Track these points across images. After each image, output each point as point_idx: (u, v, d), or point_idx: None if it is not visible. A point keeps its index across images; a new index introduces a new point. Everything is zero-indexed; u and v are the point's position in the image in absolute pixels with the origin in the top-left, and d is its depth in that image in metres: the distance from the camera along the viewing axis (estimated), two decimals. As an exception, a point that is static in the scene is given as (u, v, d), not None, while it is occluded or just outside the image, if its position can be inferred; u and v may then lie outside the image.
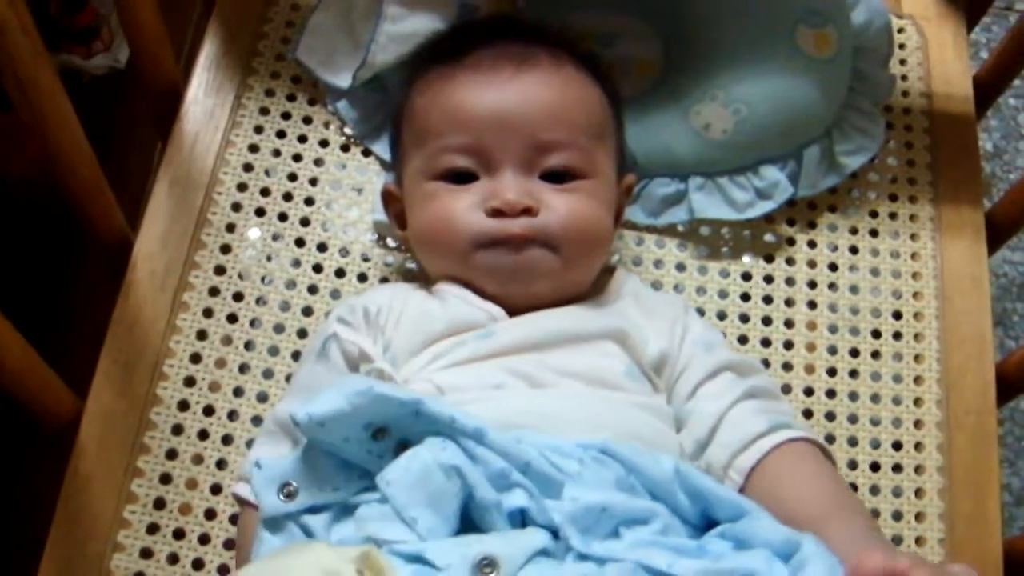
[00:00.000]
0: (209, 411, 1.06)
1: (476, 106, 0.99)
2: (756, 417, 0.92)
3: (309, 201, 1.16)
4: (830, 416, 1.11)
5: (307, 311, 1.11)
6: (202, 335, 1.09)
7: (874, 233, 1.19)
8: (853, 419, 1.11)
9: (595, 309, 0.99)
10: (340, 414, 0.78)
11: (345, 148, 1.19)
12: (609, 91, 1.07)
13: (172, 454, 1.04)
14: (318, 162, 1.18)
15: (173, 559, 1.01)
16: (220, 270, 1.12)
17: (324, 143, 1.19)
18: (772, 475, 0.89)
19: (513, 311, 0.97)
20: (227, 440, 1.05)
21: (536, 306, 0.97)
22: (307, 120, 1.20)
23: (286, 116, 1.20)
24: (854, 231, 1.19)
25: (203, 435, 1.05)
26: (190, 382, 1.07)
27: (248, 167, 1.17)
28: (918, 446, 1.10)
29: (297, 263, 1.13)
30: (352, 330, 0.98)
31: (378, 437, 0.80)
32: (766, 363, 1.12)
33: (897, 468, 1.09)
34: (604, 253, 1.03)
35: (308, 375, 0.99)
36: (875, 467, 1.09)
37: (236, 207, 1.15)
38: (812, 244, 1.18)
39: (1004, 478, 1.64)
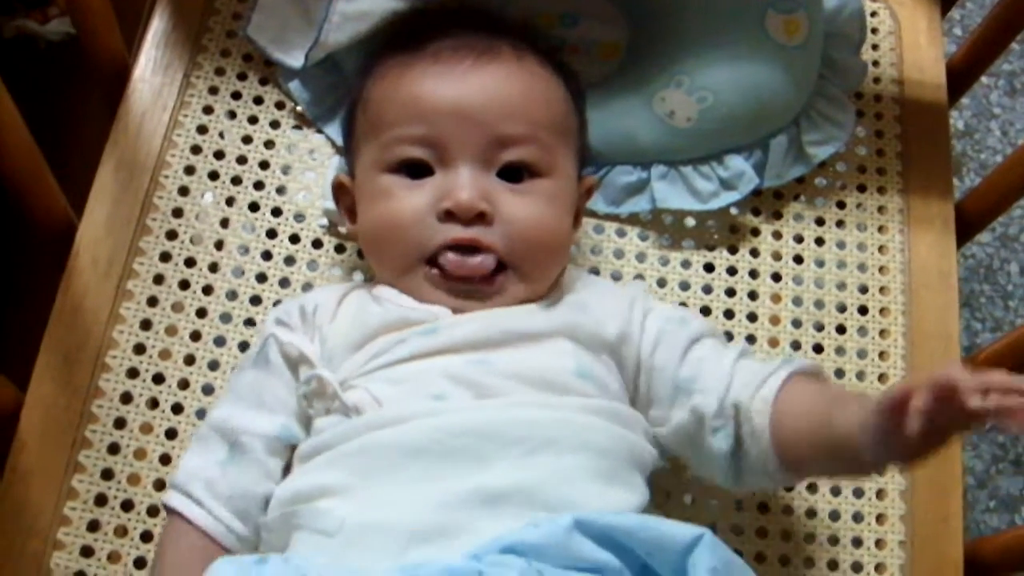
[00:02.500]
0: (153, 404, 1.03)
1: (433, 96, 0.95)
2: (764, 363, 0.91)
3: (259, 185, 1.13)
4: (792, 413, 1.08)
5: (255, 300, 1.08)
6: (146, 325, 1.05)
7: (841, 224, 1.17)
8: (815, 417, 1.09)
9: (546, 306, 0.96)
10: None
11: (297, 129, 1.16)
12: (572, 87, 1.03)
13: (114, 448, 1.01)
14: (269, 144, 1.15)
15: (114, 557, 0.99)
16: (166, 257, 1.08)
17: (275, 124, 1.15)
18: (795, 394, 0.87)
19: (457, 312, 0.94)
20: (171, 434, 1.02)
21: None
22: (258, 100, 1.16)
23: (236, 96, 1.16)
24: (820, 222, 1.17)
25: (146, 429, 1.02)
26: (133, 374, 1.04)
27: (196, 149, 1.13)
28: (880, 446, 1.08)
29: (245, 250, 1.10)
30: (290, 331, 0.95)
31: None
32: (728, 358, 1.10)
33: (858, 468, 1.07)
34: (563, 259, 1.00)
35: (248, 383, 0.95)
36: (836, 467, 1.07)
37: (183, 191, 1.11)
38: (777, 235, 1.16)
39: (967, 460, 1.64)
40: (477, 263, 0.92)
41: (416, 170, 0.95)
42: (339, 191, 1.03)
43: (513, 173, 0.95)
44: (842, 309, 1.14)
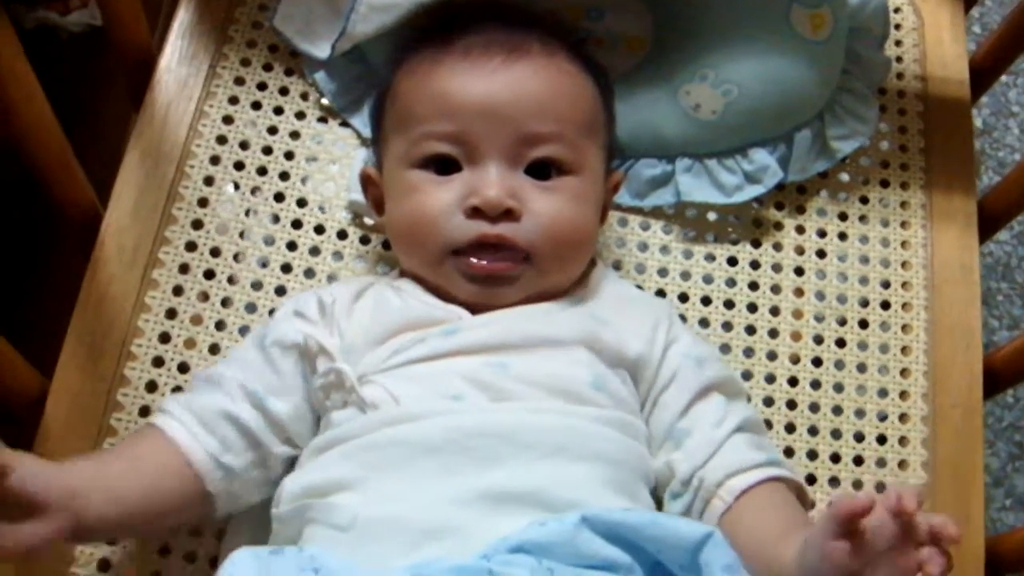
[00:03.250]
0: (177, 392, 1.03)
1: (463, 94, 0.95)
2: (753, 450, 0.91)
3: (284, 176, 1.13)
4: (814, 407, 1.09)
5: (280, 291, 1.08)
6: (171, 314, 1.06)
7: (864, 219, 1.17)
8: (838, 411, 1.09)
9: (568, 309, 0.97)
10: None
11: (323, 120, 1.16)
12: (602, 83, 1.04)
13: (139, 436, 1.01)
14: (294, 135, 1.15)
15: (139, 544, 0.98)
16: (191, 246, 1.08)
17: (301, 115, 1.16)
18: (757, 502, 0.89)
19: (479, 310, 0.95)
20: (196, 423, 1.02)
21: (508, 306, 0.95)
22: (284, 91, 1.16)
23: (262, 87, 1.16)
24: (843, 217, 1.17)
25: (171, 417, 1.02)
26: (159, 362, 1.04)
27: (222, 139, 1.13)
28: (903, 440, 1.08)
29: (271, 241, 1.10)
30: (308, 323, 0.95)
31: None
32: (750, 351, 1.10)
33: (881, 463, 1.08)
34: (586, 255, 1.01)
35: (244, 356, 0.95)
36: (858, 461, 1.08)
37: (208, 180, 1.11)
38: (800, 230, 1.16)
39: (983, 459, 1.63)
40: (503, 265, 0.93)
41: (444, 166, 0.95)
42: (367, 183, 1.04)
43: (541, 170, 0.96)
44: (864, 304, 1.14)
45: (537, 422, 0.87)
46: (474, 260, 0.93)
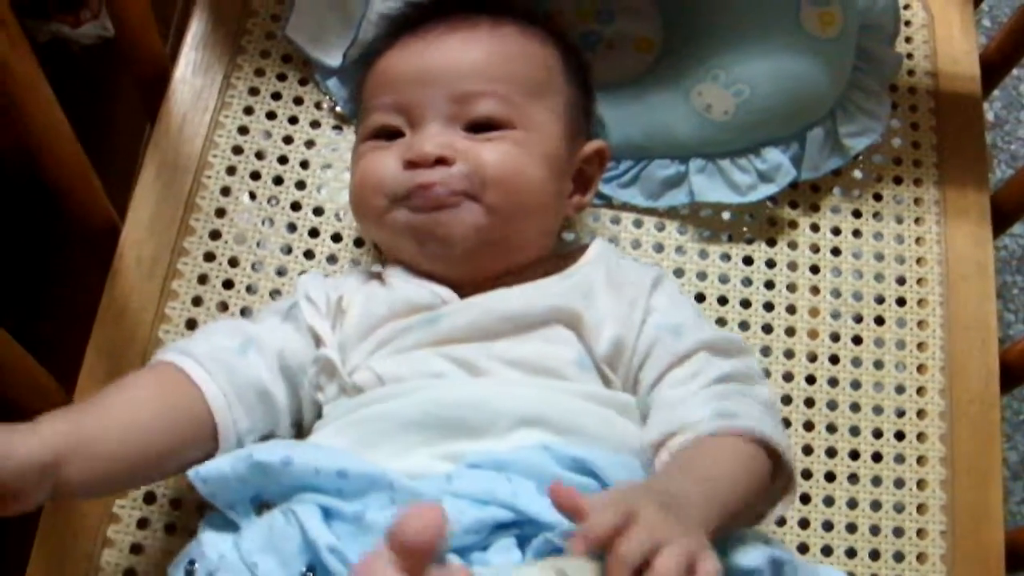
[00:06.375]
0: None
1: (399, 65, 0.99)
2: (706, 405, 0.86)
3: (300, 185, 1.14)
4: (832, 405, 1.09)
5: (299, 299, 1.09)
6: (191, 324, 1.06)
7: (878, 216, 1.18)
8: (855, 408, 1.09)
9: (552, 287, 0.95)
10: (221, 476, 0.82)
11: (337, 129, 1.17)
12: (565, 54, 1.03)
13: (162, 447, 1.02)
14: (309, 144, 1.16)
15: (165, 555, 0.99)
16: (209, 257, 1.09)
17: (315, 124, 1.17)
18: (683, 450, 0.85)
19: (462, 288, 0.95)
20: (218, 432, 1.03)
21: (485, 279, 0.95)
22: (298, 100, 1.17)
23: (276, 96, 1.17)
24: (858, 214, 1.17)
25: (193, 427, 1.03)
26: (179, 373, 1.04)
27: (238, 149, 1.14)
28: (920, 436, 1.09)
29: (288, 249, 1.11)
30: (316, 312, 0.96)
31: (262, 512, 0.82)
32: (767, 350, 1.10)
33: (899, 459, 1.08)
34: (543, 212, 0.99)
35: (273, 323, 0.96)
36: (877, 457, 1.08)
37: (225, 191, 1.12)
38: (815, 228, 1.16)
39: (1003, 452, 1.63)
40: (441, 192, 0.93)
41: (390, 136, 0.98)
42: None
43: (482, 127, 0.96)
44: (880, 300, 1.14)
45: (514, 392, 0.88)
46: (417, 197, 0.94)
